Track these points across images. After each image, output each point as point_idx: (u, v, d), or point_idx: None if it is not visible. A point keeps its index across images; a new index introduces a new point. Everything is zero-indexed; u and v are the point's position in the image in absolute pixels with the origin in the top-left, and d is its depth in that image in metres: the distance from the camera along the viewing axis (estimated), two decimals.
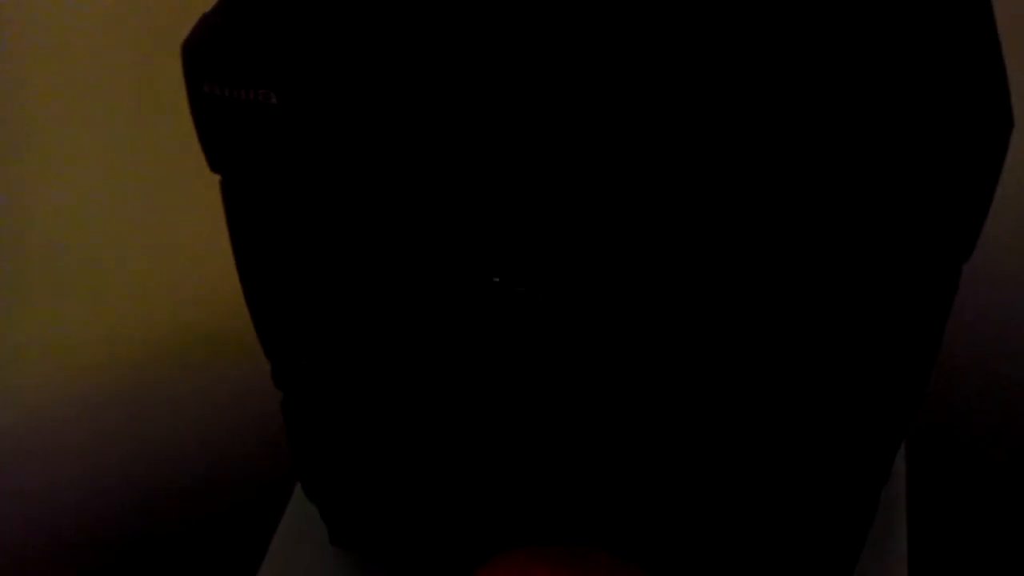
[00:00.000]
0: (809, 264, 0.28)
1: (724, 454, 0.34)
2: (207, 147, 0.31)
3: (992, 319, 0.59)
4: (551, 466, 0.37)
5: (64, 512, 0.52)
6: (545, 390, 0.34)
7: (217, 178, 0.32)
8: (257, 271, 0.34)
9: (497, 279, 0.31)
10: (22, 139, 0.43)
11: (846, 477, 0.34)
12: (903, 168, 0.26)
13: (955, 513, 0.66)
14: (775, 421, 0.32)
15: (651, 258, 0.29)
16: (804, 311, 0.29)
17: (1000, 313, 0.59)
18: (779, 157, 0.26)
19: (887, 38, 0.27)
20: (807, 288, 0.29)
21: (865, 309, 0.29)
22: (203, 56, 0.29)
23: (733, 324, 0.30)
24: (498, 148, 0.28)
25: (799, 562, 0.37)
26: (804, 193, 0.27)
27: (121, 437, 0.54)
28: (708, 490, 0.35)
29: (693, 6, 0.28)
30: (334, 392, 0.38)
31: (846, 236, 0.28)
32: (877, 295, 0.29)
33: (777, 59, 0.26)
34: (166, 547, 0.59)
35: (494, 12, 0.28)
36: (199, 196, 0.42)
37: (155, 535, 0.58)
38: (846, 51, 0.26)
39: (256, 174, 0.31)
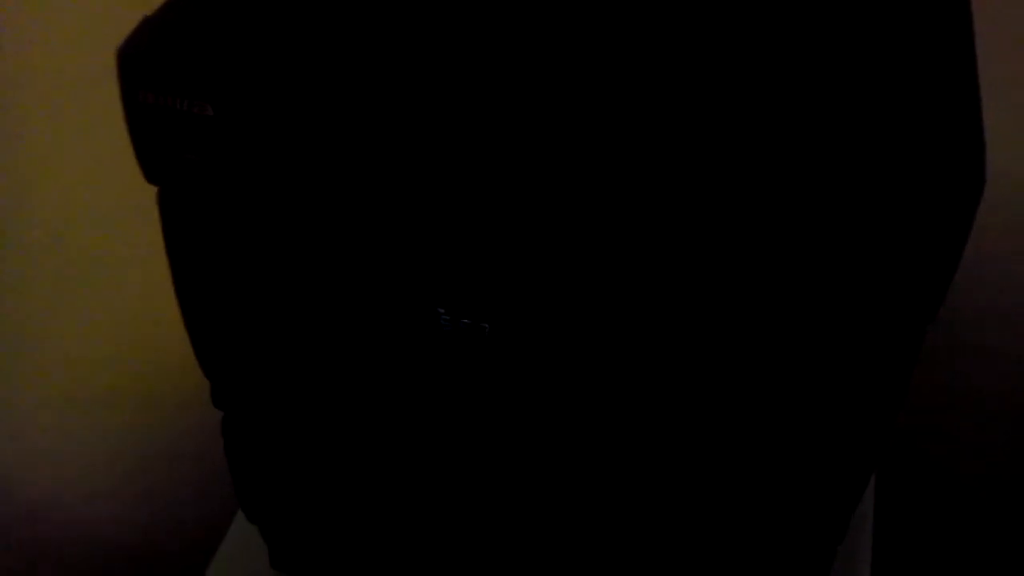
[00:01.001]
0: (771, 314, 0.27)
1: (686, 477, 0.33)
2: (141, 157, 0.29)
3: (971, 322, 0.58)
4: (497, 495, 0.36)
5: (64, 512, 0.51)
6: (491, 415, 0.33)
7: None
8: (193, 287, 0.33)
9: (442, 310, 0.30)
10: (22, 138, 0.42)
11: (815, 504, 0.32)
12: (871, 222, 0.25)
13: (920, 527, 0.66)
14: (742, 444, 0.31)
15: (599, 292, 0.28)
16: (767, 359, 0.28)
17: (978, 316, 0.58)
18: (747, 205, 0.25)
19: (860, 87, 0.25)
20: (773, 330, 0.28)
21: (830, 358, 0.28)
22: (138, 63, 0.27)
23: (687, 369, 0.29)
24: (442, 172, 0.27)
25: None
26: (767, 244, 0.25)
27: (122, 436, 0.53)
28: (670, 512, 0.34)
29: (658, 47, 0.26)
30: (275, 413, 0.36)
31: (813, 283, 0.26)
32: (843, 344, 0.28)
33: (754, 98, 0.25)
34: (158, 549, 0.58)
35: (432, 25, 0.27)
36: None
37: (155, 535, 0.57)
38: (819, 93, 0.25)
39: (192, 187, 0.29)
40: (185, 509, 0.57)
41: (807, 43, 0.27)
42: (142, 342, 0.52)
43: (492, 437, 0.33)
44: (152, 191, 0.48)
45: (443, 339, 0.31)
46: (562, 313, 0.29)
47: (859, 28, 0.27)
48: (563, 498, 0.34)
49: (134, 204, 0.48)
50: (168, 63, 0.27)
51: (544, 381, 0.31)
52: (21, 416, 0.47)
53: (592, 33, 0.27)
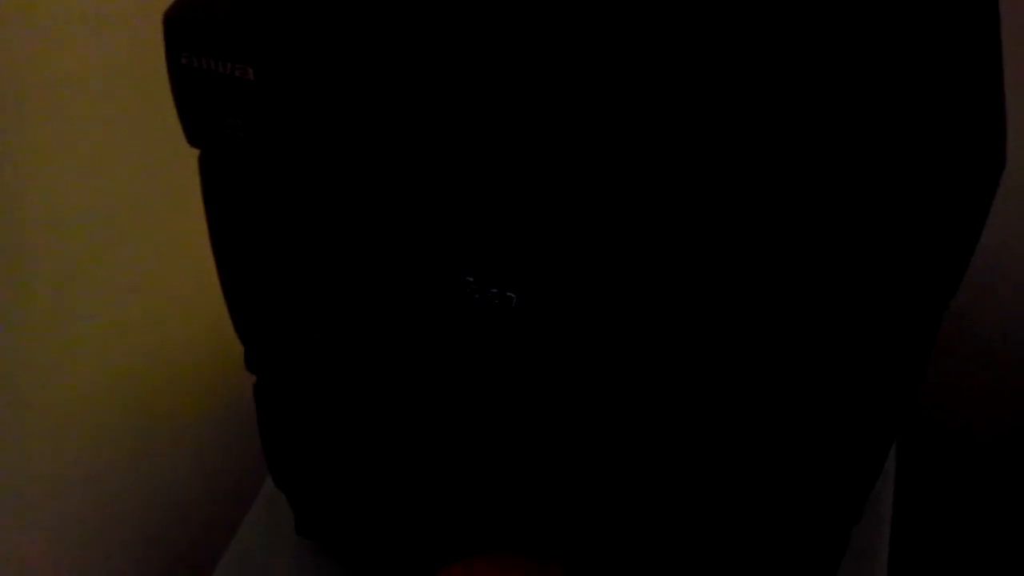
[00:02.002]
0: (794, 292, 0.27)
1: (704, 457, 0.33)
2: (184, 120, 0.30)
3: (984, 319, 0.58)
4: (524, 467, 0.36)
5: (64, 511, 0.52)
6: (520, 388, 0.33)
7: None
8: (231, 250, 0.34)
9: (471, 278, 0.31)
10: (22, 138, 0.43)
11: (832, 482, 0.33)
12: (893, 200, 0.25)
13: (939, 516, 0.65)
14: (758, 428, 0.31)
15: (624, 263, 0.28)
16: (788, 337, 0.29)
17: (991, 314, 0.58)
18: (771, 181, 0.25)
19: (884, 67, 0.26)
20: (792, 314, 0.28)
21: (847, 342, 0.28)
22: (183, 27, 0.28)
23: (709, 349, 0.29)
24: (477, 142, 0.27)
25: (783, 563, 0.36)
26: (791, 220, 0.26)
27: (123, 435, 0.54)
28: (687, 492, 0.34)
29: (664, 45, 0.27)
30: (306, 378, 0.37)
31: (831, 268, 0.26)
32: (860, 330, 0.28)
33: (773, 82, 0.25)
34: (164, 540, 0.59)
35: (472, 6, 0.28)
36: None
37: (154, 533, 0.58)
38: (842, 76, 0.25)
39: (233, 150, 0.30)
40: (186, 507, 0.58)
41: (833, 26, 0.27)
42: (142, 341, 0.53)
43: (514, 406, 0.34)
44: (156, 189, 0.49)
45: (471, 307, 0.31)
46: (586, 286, 0.29)
47: (885, 12, 0.27)
48: (586, 473, 0.35)
49: (134, 204, 0.49)
50: (211, 27, 0.27)
51: (567, 357, 0.31)
52: (21, 415, 0.47)
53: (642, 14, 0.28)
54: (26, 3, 0.41)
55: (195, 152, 0.31)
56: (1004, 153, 0.24)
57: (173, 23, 0.28)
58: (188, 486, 0.59)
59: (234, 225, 0.33)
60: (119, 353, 0.52)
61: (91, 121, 0.46)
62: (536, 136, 0.26)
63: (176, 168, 0.46)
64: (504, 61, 0.26)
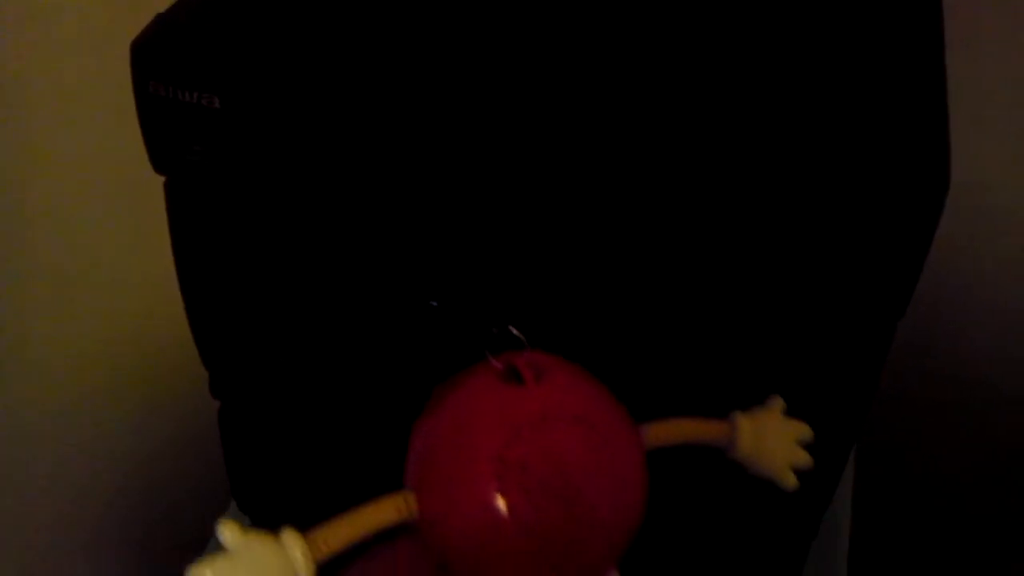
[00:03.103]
0: (750, 306, 0.28)
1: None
2: (151, 147, 0.30)
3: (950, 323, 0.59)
4: None
5: (65, 511, 0.52)
6: None
7: None
8: (196, 277, 0.34)
9: (435, 303, 0.31)
10: (21, 139, 0.43)
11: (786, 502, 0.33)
12: (842, 221, 0.26)
13: (897, 527, 0.66)
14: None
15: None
16: (753, 349, 0.29)
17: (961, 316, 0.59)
18: (727, 203, 0.26)
19: (834, 98, 0.26)
20: (751, 323, 0.29)
21: (802, 354, 0.29)
22: (150, 55, 0.28)
23: (676, 366, 0.30)
24: (435, 172, 0.28)
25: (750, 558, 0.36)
26: (743, 246, 0.27)
27: (123, 435, 0.54)
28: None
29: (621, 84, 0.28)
30: (270, 403, 0.37)
31: (786, 285, 0.27)
32: (816, 342, 0.29)
33: (730, 108, 0.26)
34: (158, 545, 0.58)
35: (432, 24, 0.28)
36: None
37: (154, 532, 0.57)
38: (797, 103, 0.26)
39: (198, 178, 0.31)
40: (184, 504, 0.58)
41: (784, 59, 0.28)
42: (141, 340, 0.53)
43: None
44: (152, 189, 0.49)
45: (436, 332, 0.32)
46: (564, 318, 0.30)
47: (833, 46, 0.28)
48: None
49: (134, 204, 0.49)
50: (178, 56, 0.28)
51: None
52: (20, 415, 0.47)
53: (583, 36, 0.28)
54: (28, 6, 0.41)
55: None
56: (948, 177, 0.25)
57: (141, 51, 0.28)
58: (189, 486, 0.58)
59: (199, 252, 0.33)
60: (119, 353, 0.52)
61: (92, 122, 0.45)
62: (499, 168, 0.27)
63: None
64: (464, 93, 0.27)
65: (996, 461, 0.63)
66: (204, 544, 0.48)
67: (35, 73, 0.43)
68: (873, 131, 0.25)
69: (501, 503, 0.20)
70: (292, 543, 0.21)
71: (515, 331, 0.25)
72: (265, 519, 0.43)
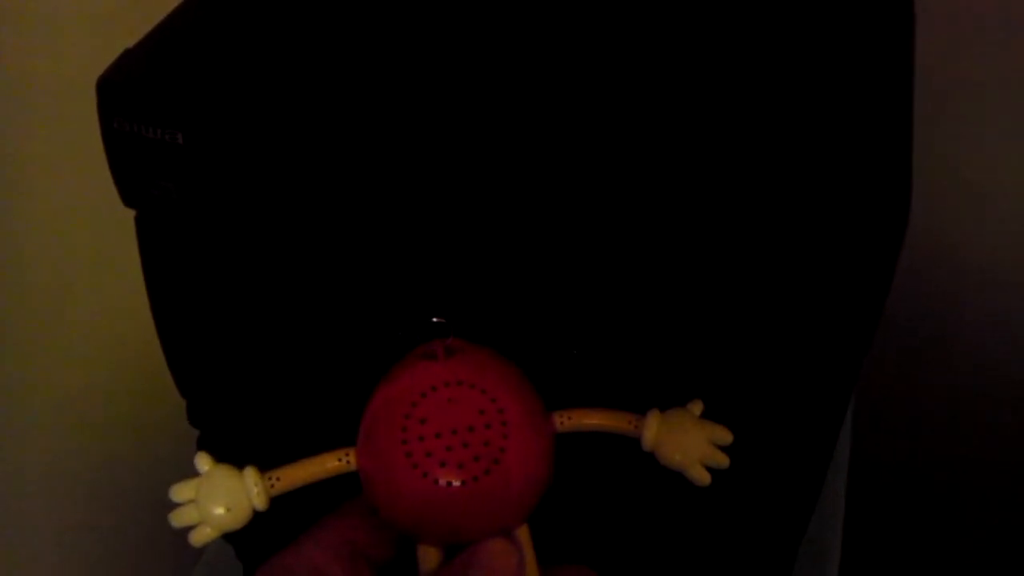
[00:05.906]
0: (724, 327, 0.28)
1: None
2: (119, 182, 0.30)
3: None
4: None
5: (64, 512, 0.52)
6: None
7: None
8: (170, 309, 0.34)
9: (401, 334, 0.31)
10: (21, 142, 0.43)
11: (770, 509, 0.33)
12: (804, 255, 0.26)
13: (892, 523, 0.66)
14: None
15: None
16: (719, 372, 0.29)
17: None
18: (689, 221, 0.26)
19: (797, 130, 0.26)
20: (719, 358, 0.29)
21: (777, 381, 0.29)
22: (115, 92, 0.28)
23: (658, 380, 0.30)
24: (401, 198, 0.28)
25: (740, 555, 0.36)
26: (705, 277, 0.27)
27: (123, 434, 0.54)
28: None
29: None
30: (248, 431, 0.37)
31: (747, 327, 0.27)
32: (784, 376, 0.29)
33: (695, 128, 0.26)
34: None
35: (382, 64, 0.28)
36: None
37: (154, 532, 0.57)
38: (749, 120, 0.26)
39: (166, 212, 0.31)
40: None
41: (749, 81, 0.28)
42: (141, 340, 0.53)
43: None
44: None
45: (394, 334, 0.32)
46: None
47: (801, 66, 0.28)
48: None
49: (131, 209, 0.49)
50: (141, 93, 0.28)
51: None
52: (20, 415, 0.47)
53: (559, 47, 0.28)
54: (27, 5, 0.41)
55: None
56: (908, 207, 0.25)
57: (106, 88, 0.29)
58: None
59: (171, 284, 0.33)
60: (119, 353, 0.52)
61: (92, 122, 0.46)
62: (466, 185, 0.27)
63: None
64: (435, 118, 0.27)
65: (993, 465, 0.63)
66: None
67: (35, 73, 0.43)
68: (835, 163, 0.25)
69: (403, 452, 0.25)
70: (249, 474, 0.27)
71: (437, 319, 0.30)
72: (245, 542, 0.43)
